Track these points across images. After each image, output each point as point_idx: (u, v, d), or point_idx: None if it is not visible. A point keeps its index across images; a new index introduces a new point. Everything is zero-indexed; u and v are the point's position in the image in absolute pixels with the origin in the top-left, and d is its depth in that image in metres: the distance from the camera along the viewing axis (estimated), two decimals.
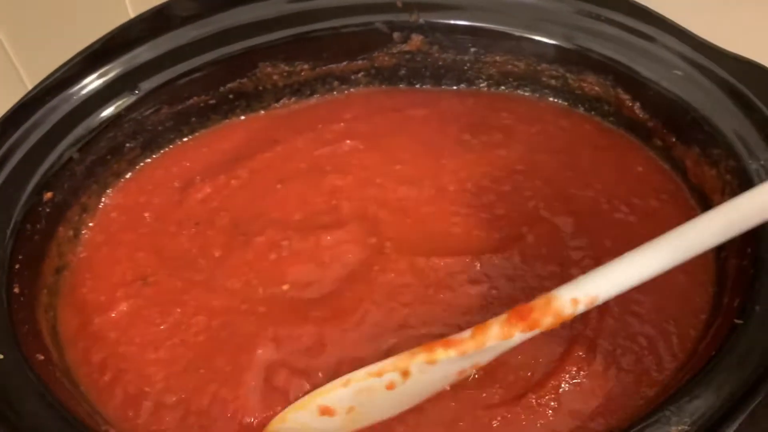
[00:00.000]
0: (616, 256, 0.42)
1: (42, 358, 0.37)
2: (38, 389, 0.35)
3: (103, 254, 0.45)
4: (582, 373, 0.38)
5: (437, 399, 0.37)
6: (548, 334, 0.38)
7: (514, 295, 0.41)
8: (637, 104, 0.49)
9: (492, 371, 0.38)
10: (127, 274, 0.44)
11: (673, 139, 0.48)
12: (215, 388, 0.38)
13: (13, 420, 0.33)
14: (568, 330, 0.40)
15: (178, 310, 0.42)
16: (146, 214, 0.47)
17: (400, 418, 0.37)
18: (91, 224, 0.47)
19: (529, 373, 0.39)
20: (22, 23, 0.78)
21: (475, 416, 0.37)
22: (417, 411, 0.37)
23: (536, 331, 0.35)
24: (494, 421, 0.37)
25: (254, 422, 0.37)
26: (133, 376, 0.39)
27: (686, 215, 0.45)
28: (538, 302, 0.34)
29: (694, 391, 0.33)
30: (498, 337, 0.35)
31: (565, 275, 0.42)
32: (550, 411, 0.37)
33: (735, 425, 0.32)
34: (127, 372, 0.39)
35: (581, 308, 0.34)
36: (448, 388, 0.37)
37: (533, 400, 0.38)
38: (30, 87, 0.82)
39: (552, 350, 0.40)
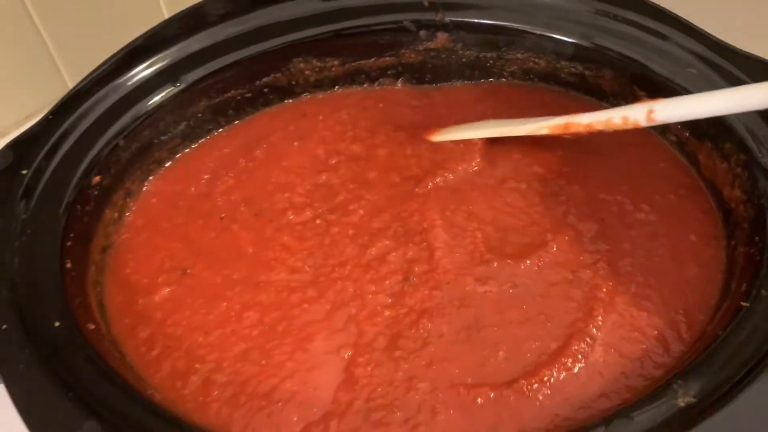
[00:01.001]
0: (630, 260, 0.45)
1: (92, 327, 0.40)
2: (90, 354, 0.37)
3: (143, 238, 0.48)
4: (578, 365, 0.40)
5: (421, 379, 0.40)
6: (543, 331, 0.42)
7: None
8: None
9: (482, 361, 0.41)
10: (166, 262, 0.47)
11: (687, 134, 0.50)
12: (276, 381, 0.40)
13: (69, 381, 0.35)
14: (567, 328, 0.42)
15: (224, 304, 0.44)
16: (180, 204, 0.50)
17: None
18: (133, 208, 0.50)
19: (520, 366, 0.41)
20: (63, 26, 0.82)
21: (457, 393, 0.40)
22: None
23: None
24: (479, 399, 0.39)
25: (322, 412, 0.39)
26: (182, 354, 0.42)
27: (701, 208, 0.48)
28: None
29: (700, 368, 0.36)
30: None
31: (575, 280, 0.44)
32: (542, 396, 0.39)
33: (739, 397, 0.34)
34: (175, 350, 0.42)
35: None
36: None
37: (524, 387, 0.39)
38: (70, 83, 0.87)
39: (546, 345, 0.41)
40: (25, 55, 0.81)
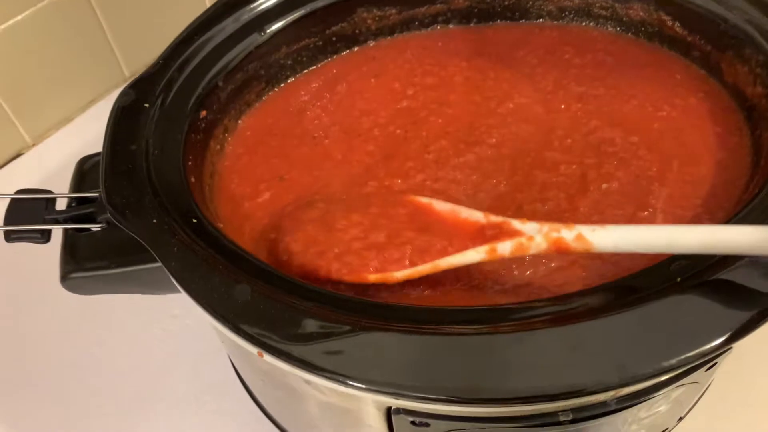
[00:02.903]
0: (664, 144, 0.52)
1: (221, 226, 0.48)
2: (225, 241, 0.44)
3: (244, 162, 0.56)
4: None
5: None
6: (616, 207, 0.48)
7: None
8: (677, 23, 0.58)
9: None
10: (266, 173, 0.54)
11: (709, 48, 0.56)
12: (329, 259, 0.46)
13: (216, 257, 0.42)
14: (634, 206, 0.48)
15: (306, 195, 0.52)
16: (275, 131, 0.58)
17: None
18: (231, 141, 0.57)
19: None
20: (123, 19, 0.90)
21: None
22: None
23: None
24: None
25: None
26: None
27: (722, 107, 0.54)
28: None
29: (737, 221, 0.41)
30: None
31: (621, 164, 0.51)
32: (620, 257, 0.45)
33: None
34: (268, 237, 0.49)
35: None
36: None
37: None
38: (126, 72, 0.95)
39: (621, 215, 0.48)
40: (88, 47, 0.89)
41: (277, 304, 0.39)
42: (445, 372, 0.35)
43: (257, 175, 0.54)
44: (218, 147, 0.56)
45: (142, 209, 0.45)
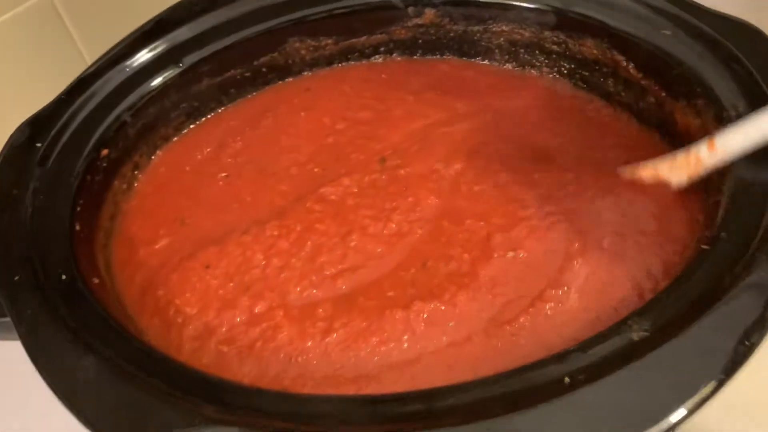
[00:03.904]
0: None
1: (97, 281, 0.44)
2: (90, 302, 0.40)
3: (151, 202, 0.52)
4: (557, 308, 0.42)
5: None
6: (522, 280, 0.43)
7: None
8: (632, 65, 0.53)
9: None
10: (169, 215, 0.51)
11: (663, 95, 0.51)
12: (231, 315, 0.44)
13: (71, 323, 0.39)
14: (545, 282, 0.43)
15: (205, 246, 0.47)
16: (187, 169, 0.54)
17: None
18: (141, 178, 0.54)
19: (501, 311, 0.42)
20: (89, 21, 0.88)
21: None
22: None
23: None
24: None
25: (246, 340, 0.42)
26: (164, 292, 0.45)
27: None
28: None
29: (654, 305, 0.37)
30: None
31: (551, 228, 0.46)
32: (522, 340, 0.40)
33: (687, 331, 0.35)
34: (158, 289, 0.46)
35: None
36: None
37: (507, 329, 0.41)
38: (90, 62, 0.92)
39: (528, 290, 0.43)
40: (59, 57, 0.87)
41: (122, 385, 0.35)
42: None
43: (161, 218, 0.51)
44: (125, 186, 0.53)
45: (9, 263, 0.42)
